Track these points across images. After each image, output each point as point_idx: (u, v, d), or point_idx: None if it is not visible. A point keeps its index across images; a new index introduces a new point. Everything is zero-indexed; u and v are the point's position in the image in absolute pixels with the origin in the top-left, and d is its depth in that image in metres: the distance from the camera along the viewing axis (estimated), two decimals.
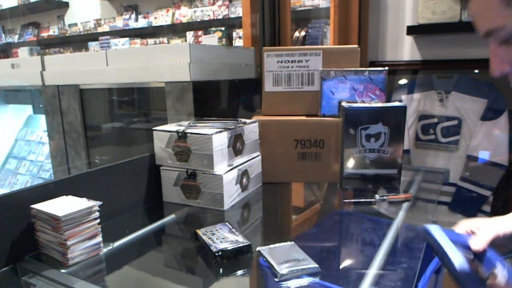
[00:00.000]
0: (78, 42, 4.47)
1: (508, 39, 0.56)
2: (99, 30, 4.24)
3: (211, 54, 1.37)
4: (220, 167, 1.04)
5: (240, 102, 1.70)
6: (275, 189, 1.25)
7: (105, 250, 0.82)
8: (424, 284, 0.76)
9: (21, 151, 2.30)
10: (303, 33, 2.28)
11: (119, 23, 4.05)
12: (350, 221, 1.07)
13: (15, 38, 5.07)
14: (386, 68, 1.21)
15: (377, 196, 1.08)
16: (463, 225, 0.71)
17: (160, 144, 1.10)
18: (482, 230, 0.67)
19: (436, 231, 0.66)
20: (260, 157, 1.24)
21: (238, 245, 0.77)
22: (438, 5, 1.56)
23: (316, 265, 0.71)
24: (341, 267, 0.78)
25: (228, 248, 0.77)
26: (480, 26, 0.58)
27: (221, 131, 1.05)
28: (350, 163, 1.15)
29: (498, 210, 1.62)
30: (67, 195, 0.84)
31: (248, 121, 1.20)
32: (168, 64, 1.30)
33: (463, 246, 0.64)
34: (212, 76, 1.39)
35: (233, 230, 0.85)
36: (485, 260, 0.61)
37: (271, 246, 0.79)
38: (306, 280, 0.69)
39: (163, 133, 1.08)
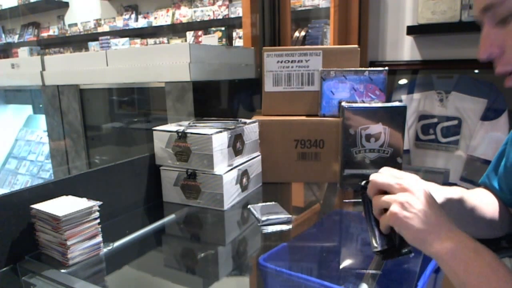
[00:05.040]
0: (78, 42, 4.47)
1: (504, 19, 0.54)
2: (99, 30, 4.24)
3: (211, 54, 1.37)
4: (220, 167, 1.04)
5: (240, 102, 1.70)
6: (275, 189, 1.25)
7: (105, 250, 0.82)
8: (424, 284, 0.76)
9: (21, 151, 2.30)
10: (303, 33, 2.29)
11: (119, 23, 4.05)
12: (350, 221, 1.07)
13: (15, 38, 5.08)
14: (386, 68, 1.21)
15: None
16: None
17: (160, 144, 1.10)
18: None
19: None
20: (260, 157, 1.24)
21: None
22: (438, 5, 1.56)
23: (289, 216, 0.94)
24: (341, 267, 0.79)
25: None
26: (479, 1, 0.57)
27: (221, 131, 1.05)
28: (350, 163, 1.15)
29: None
30: (67, 195, 0.84)
31: (248, 121, 1.20)
32: (168, 64, 1.30)
33: None
34: (212, 76, 1.39)
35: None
36: None
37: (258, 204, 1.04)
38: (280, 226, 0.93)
39: (163, 133, 1.08)
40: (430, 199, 0.58)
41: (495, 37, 0.56)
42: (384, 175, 0.62)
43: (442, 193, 0.70)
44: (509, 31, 0.55)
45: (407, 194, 0.57)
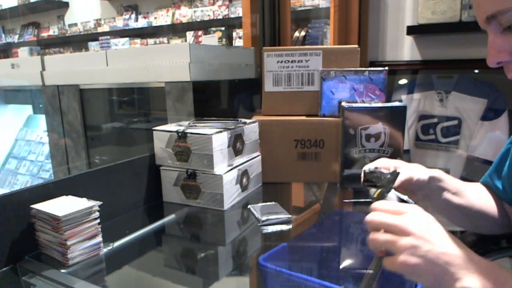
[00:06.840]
0: (78, 42, 4.47)
1: (511, 26, 0.53)
2: (99, 30, 4.24)
3: (211, 54, 1.37)
4: (220, 167, 1.04)
5: (240, 102, 1.70)
6: (275, 189, 1.25)
7: (105, 250, 0.82)
8: None
9: (21, 151, 2.30)
10: (303, 33, 2.28)
11: (119, 23, 4.04)
12: (350, 221, 1.07)
13: (15, 38, 5.07)
14: (386, 68, 1.21)
15: None
16: (383, 162, 0.73)
17: (160, 144, 1.10)
18: (400, 170, 0.70)
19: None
20: (260, 157, 1.24)
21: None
22: (438, 5, 1.56)
23: (289, 216, 0.94)
24: (341, 267, 0.79)
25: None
26: (483, 10, 0.55)
27: (221, 131, 1.05)
28: (350, 163, 1.15)
29: None
30: (67, 195, 0.84)
31: (248, 121, 1.20)
32: (168, 64, 1.30)
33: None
34: (212, 76, 1.39)
35: None
36: (387, 198, 0.65)
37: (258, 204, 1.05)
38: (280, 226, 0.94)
39: (163, 133, 1.08)
40: (435, 232, 0.54)
41: (502, 44, 0.55)
42: (380, 213, 0.57)
43: (425, 172, 0.73)
44: None
45: (411, 238, 0.53)
